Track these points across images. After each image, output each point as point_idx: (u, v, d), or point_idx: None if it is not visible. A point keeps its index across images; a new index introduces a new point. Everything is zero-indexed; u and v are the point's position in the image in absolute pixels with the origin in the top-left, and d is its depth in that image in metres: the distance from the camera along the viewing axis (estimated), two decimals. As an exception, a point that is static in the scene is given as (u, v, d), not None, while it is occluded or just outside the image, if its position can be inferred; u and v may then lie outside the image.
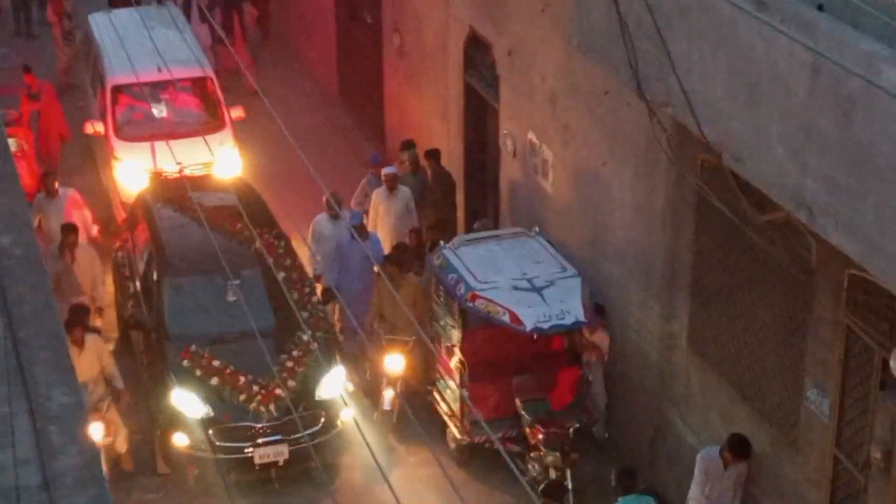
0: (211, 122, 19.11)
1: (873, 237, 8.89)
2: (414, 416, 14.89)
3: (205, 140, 15.98)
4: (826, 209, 9.38)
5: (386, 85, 20.82)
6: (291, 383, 13.97)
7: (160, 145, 17.41)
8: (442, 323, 14.58)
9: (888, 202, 8.67)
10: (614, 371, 14.49)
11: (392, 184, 17.12)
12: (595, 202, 14.67)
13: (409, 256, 15.50)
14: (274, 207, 16.61)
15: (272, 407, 13.90)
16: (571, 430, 13.72)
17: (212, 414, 13.98)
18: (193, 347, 14.33)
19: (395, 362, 14.76)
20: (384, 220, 17.15)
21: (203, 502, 14.15)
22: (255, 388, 13.99)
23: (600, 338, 14.22)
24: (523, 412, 13.90)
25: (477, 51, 17.30)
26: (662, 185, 13.21)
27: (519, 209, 16.60)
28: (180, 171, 16.56)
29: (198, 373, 14.14)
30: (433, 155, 17.51)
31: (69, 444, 6.84)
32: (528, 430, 13.82)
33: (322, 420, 14.06)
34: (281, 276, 14.66)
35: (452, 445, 14.67)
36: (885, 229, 8.75)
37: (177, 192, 16.15)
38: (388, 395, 14.83)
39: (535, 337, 13.63)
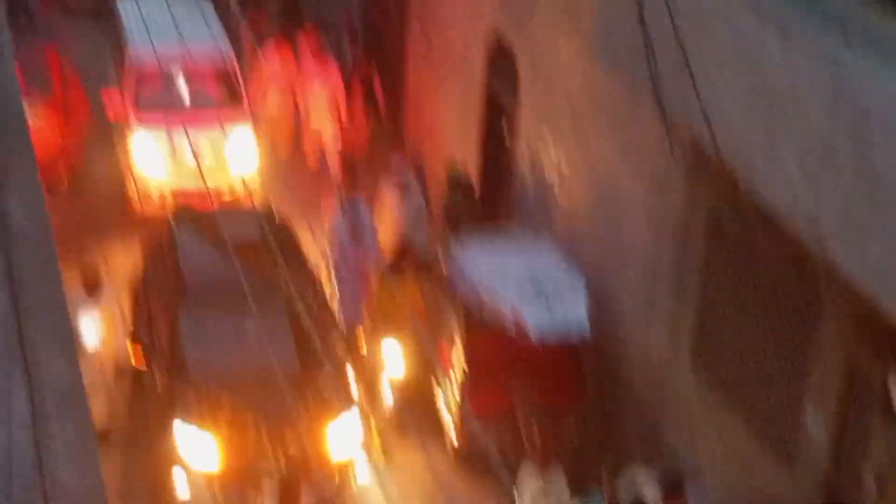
0: (231, 111, 19.17)
1: (883, 269, 8.88)
2: (412, 415, 14.96)
3: (223, 128, 16.03)
4: (837, 238, 9.37)
5: (408, 90, 20.84)
6: (307, 438, 12.96)
7: (178, 131, 17.50)
8: (445, 321, 14.57)
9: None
10: (612, 380, 14.48)
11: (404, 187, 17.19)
12: (607, 214, 14.66)
13: (408, 261, 15.57)
14: (288, 200, 16.51)
15: (283, 463, 12.95)
16: (569, 439, 13.74)
17: (217, 465, 13.01)
18: (205, 389, 13.41)
19: (394, 361, 14.74)
20: (392, 220, 17.22)
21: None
22: (267, 440, 13.02)
23: None
24: (522, 417, 13.88)
25: (500, 59, 17.31)
26: (676, 203, 13.20)
27: (531, 215, 16.60)
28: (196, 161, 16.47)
29: (206, 418, 13.17)
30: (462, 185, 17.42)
31: (64, 417, 6.85)
32: (525, 436, 13.79)
33: (336, 481, 13.17)
34: (306, 318, 13.58)
35: (449, 446, 14.66)
36: (894, 262, 8.73)
37: (201, 220, 15.52)
38: (387, 389, 14.83)
39: (538, 343, 13.62)
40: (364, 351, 14.92)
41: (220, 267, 14.15)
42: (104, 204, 19.65)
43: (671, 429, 13.56)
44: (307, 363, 13.56)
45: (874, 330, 10.31)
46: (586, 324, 13.61)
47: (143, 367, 14.40)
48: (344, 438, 13.33)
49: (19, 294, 7.70)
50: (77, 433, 6.70)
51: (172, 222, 16.03)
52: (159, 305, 14.77)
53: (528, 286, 13.92)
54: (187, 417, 13.16)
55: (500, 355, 14.19)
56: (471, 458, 14.37)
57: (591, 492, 12.14)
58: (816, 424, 11.07)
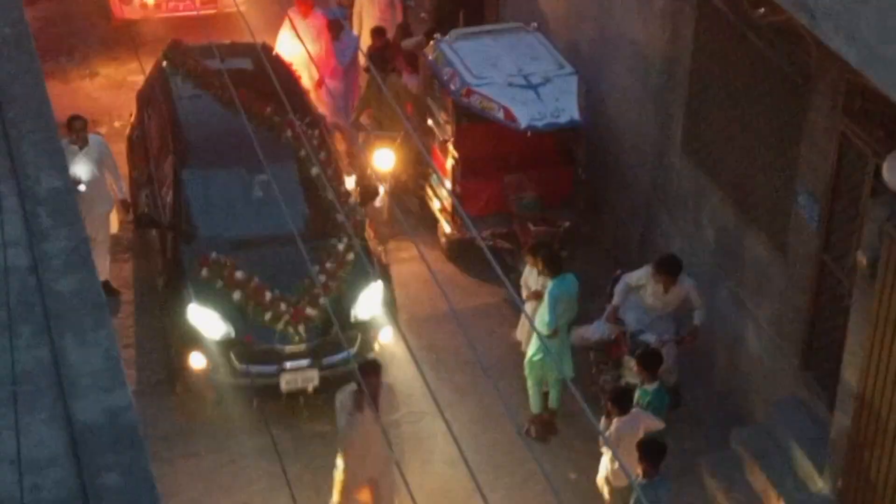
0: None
1: (873, 43, 8.78)
2: (405, 212, 15.01)
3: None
4: (828, 13, 9.25)
5: None
6: (324, 301, 12.02)
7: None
8: (435, 118, 14.51)
9: (890, 8, 8.54)
10: (605, 168, 14.49)
11: None
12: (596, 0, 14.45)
13: (388, 49, 15.33)
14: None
15: (301, 328, 12.14)
16: (562, 228, 13.80)
17: (232, 333, 12.16)
18: (214, 255, 12.40)
19: (384, 158, 14.71)
20: (369, 14, 16.99)
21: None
22: (283, 305, 12.17)
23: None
24: (514, 209, 13.93)
25: None
26: (664, -17, 13.01)
27: (517, 3, 16.36)
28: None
29: (218, 284, 12.28)
30: None
31: (58, 226, 6.84)
32: (518, 227, 13.87)
33: (358, 343, 12.36)
34: (315, 171, 12.72)
35: (443, 241, 14.75)
36: (885, 36, 8.63)
37: (198, 66, 14.43)
38: (380, 188, 14.79)
39: (529, 134, 13.58)
40: (355, 152, 14.86)
41: (221, 117, 13.40)
42: (84, 9, 19.37)
43: (665, 216, 13.62)
44: (319, 221, 12.86)
45: (864, 107, 10.26)
46: (577, 112, 13.53)
47: (145, 225, 13.51)
48: (365, 300, 12.52)
49: (5, 106, 7.63)
50: (71, 243, 6.68)
51: (165, 65, 14.77)
52: (159, 160, 13.72)
53: (516, 77, 13.80)
54: (199, 289, 12.30)
55: (491, 148, 14.17)
56: (463, 251, 14.48)
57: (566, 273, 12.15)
58: (808, 207, 11.11)
